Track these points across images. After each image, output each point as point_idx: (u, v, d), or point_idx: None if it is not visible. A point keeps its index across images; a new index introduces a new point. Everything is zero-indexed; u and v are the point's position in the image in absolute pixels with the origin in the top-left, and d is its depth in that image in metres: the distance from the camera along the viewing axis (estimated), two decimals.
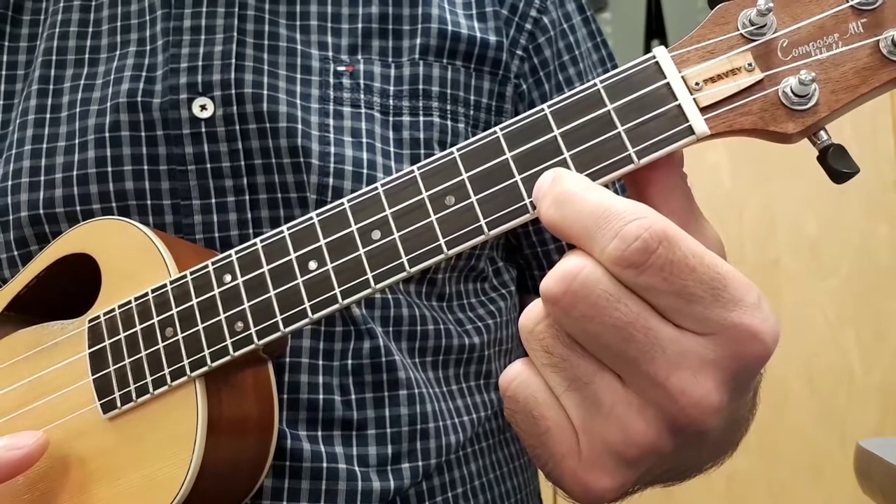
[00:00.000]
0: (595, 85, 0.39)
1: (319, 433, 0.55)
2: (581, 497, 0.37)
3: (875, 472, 0.71)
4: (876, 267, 1.43)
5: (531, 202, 0.39)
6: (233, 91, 0.56)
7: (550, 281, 0.35)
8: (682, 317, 0.34)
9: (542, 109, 0.40)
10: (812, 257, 1.45)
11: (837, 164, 0.37)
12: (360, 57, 0.60)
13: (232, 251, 0.46)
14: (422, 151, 0.59)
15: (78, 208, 0.56)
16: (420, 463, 0.57)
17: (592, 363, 0.36)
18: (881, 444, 0.73)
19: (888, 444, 0.73)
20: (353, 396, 0.56)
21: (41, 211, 0.57)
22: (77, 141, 0.58)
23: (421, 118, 0.60)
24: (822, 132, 0.38)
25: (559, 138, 0.39)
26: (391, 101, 0.59)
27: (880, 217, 1.43)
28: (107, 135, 0.57)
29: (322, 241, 0.43)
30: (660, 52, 0.39)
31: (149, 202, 0.56)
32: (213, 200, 0.56)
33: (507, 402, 0.38)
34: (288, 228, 0.44)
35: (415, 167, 0.42)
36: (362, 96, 0.59)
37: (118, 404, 0.47)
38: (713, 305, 0.34)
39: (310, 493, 0.54)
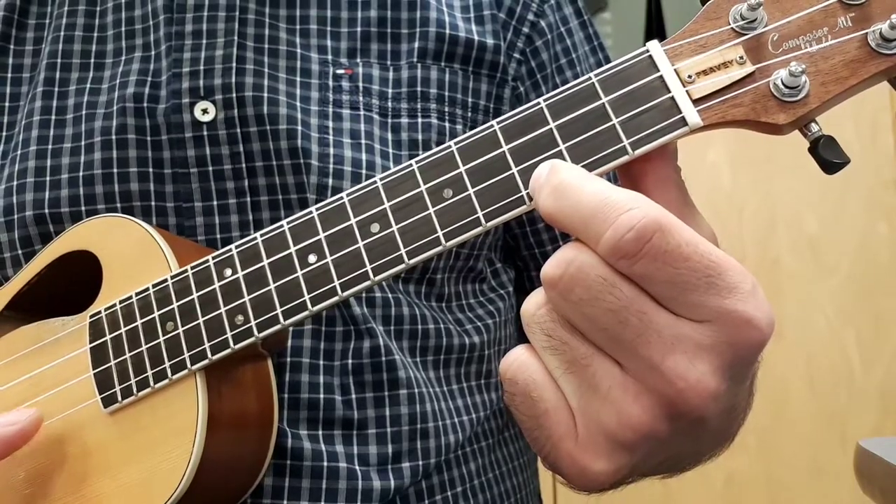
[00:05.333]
0: (590, 78, 0.40)
1: (320, 432, 0.55)
2: (578, 480, 0.38)
3: (875, 472, 0.71)
4: (876, 266, 1.43)
5: (528, 194, 0.39)
6: (234, 94, 0.57)
7: (549, 265, 0.36)
8: (677, 304, 0.35)
9: (538, 103, 0.40)
10: (812, 256, 1.45)
11: (828, 155, 0.37)
12: (358, 60, 0.61)
13: (232, 245, 0.46)
14: (420, 152, 0.59)
15: (83, 208, 0.57)
16: (420, 462, 0.57)
17: (591, 347, 0.36)
18: (881, 444, 0.73)
19: (888, 444, 0.73)
20: (353, 396, 0.56)
21: (46, 211, 0.57)
22: (83, 143, 0.58)
23: (419, 120, 0.60)
24: (812, 124, 0.38)
25: (555, 131, 0.40)
26: (390, 104, 0.60)
27: (880, 216, 1.43)
28: (113, 137, 0.57)
29: (321, 235, 0.43)
30: (653, 46, 0.40)
31: (153, 203, 0.57)
32: (215, 202, 0.57)
33: (506, 384, 0.38)
34: (288, 222, 0.44)
35: (413, 161, 0.42)
36: (361, 98, 0.59)
37: (119, 398, 0.48)
38: (708, 293, 0.34)
39: (310, 491, 0.54)
